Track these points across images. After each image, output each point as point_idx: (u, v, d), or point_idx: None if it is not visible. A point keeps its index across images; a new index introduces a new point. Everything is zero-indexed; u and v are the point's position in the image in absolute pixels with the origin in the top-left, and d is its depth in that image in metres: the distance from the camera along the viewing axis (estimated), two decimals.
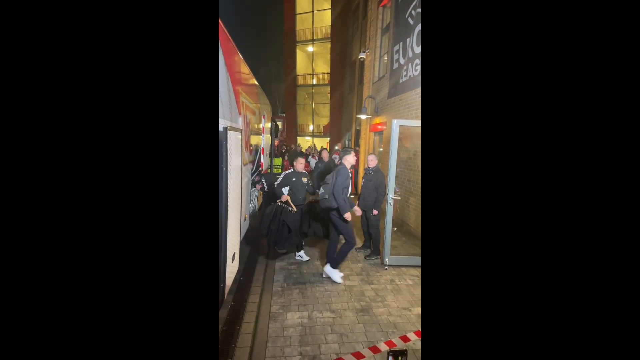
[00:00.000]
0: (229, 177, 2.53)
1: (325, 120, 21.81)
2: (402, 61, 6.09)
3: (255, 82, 5.06)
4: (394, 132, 3.84)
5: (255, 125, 4.73)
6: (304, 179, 4.06)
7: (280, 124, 14.55)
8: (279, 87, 22.96)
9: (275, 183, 4.08)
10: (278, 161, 9.15)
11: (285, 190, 4.03)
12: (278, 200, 3.94)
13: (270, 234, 3.77)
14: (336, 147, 9.15)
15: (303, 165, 4.10)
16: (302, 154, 11.50)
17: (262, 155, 4.64)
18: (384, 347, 2.31)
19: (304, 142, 21.44)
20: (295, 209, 3.89)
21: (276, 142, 11.04)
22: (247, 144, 4.03)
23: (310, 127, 23.31)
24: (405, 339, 2.54)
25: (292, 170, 4.11)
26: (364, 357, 2.19)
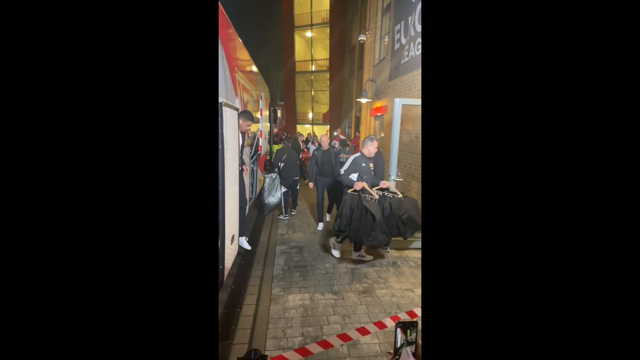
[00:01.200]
0: (225, 157, 2.44)
1: (324, 108, 21.55)
2: (403, 41, 5.91)
3: (253, 64, 4.92)
4: (396, 111, 3.73)
5: (253, 109, 4.61)
6: (371, 165, 3.55)
7: (279, 112, 14.35)
8: (277, 75, 22.60)
9: (342, 169, 3.47)
10: (277, 147, 9.04)
11: (354, 177, 3.42)
12: (350, 190, 3.35)
13: (352, 228, 3.16)
14: (335, 133, 9.03)
15: (375, 148, 3.54)
16: (304, 141, 11.40)
17: (260, 139, 4.53)
18: (389, 323, 2.26)
19: (304, 131, 21.27)
20: (378, 197, 3.33)
21: (275, 130, 10.90)
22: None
23: (310, 115, 23.07)
24: (412, 314, 2.48)
25: (360, 154, 3.50)
26: (369, 332, 2.14)
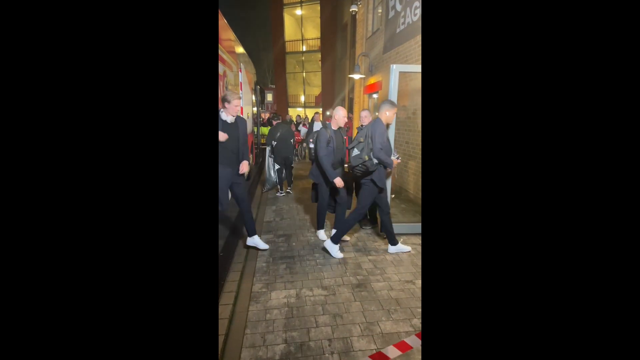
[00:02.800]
0: None
1: (317, 90, 20.84)
2: (398, 7, 5.38)
3: (231, 31, 4.38)
4: (392, 80, 3.27)
5: (232, 82, 4.11)
6: None
7: (270, 96, 13.69)
8: (267, 57, 21.67)
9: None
10: (266, 130, 8.57)
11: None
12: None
13: None
14: (327, 113, 8.54)
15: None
16: (295, 124, 10.91)
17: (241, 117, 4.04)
18: (393, 353, 1.83)
19: (296, 114, 20.59)
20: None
21: (268, 114, 10.36)
22: (220, 99, 3.43)
23: (302, 98, 22.34)
24: (403, 346, 1.92)
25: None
26: None
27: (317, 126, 5.79)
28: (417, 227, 3.69)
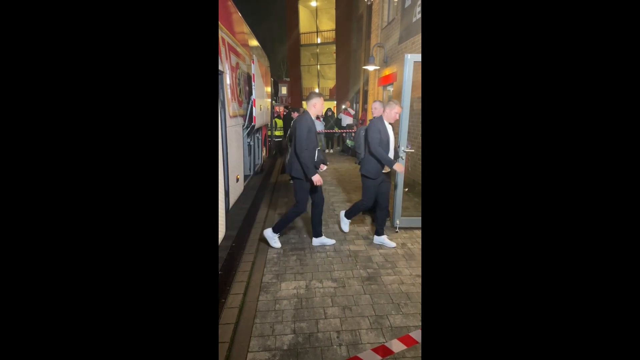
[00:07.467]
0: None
1: (331, 83, 20.66)
2: None
3: (244, 23, 4.37)
4: (407, 70, 3.19)
5: (245, 72, 4.11)
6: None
7: (284, 89, 13.67)
8: (281, 50, 21.61)
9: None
10: (280, 122, 8.56)
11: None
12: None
13: None
14: (343, 106, 8.46)
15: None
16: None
17: (254, 108, 4.05)
18: (397, 347, 1.81)
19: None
20: None
21: (281, 108, 10.38)
22: (233, 91, 3.44)
23: (316, 91, 22.22)
24: (407, 340, 1.92)
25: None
26: None
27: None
28: None
